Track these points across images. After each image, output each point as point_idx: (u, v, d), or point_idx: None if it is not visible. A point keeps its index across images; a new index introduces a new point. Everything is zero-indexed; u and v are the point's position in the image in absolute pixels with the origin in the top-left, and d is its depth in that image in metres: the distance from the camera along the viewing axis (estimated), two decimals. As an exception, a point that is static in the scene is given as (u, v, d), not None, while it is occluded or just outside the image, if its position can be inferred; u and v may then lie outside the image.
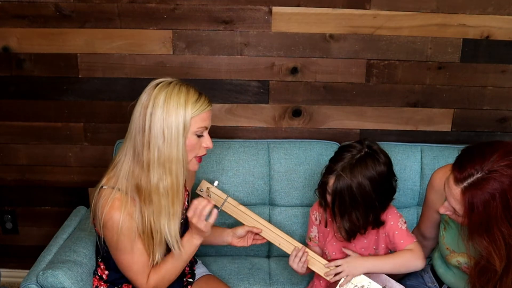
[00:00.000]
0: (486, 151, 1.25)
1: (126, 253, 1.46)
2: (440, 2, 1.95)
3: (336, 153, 1.57)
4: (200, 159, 1.51)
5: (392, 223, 1.58)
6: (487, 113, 2.12)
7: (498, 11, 1.97)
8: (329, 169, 1.52)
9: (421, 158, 1.97)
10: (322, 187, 1.55)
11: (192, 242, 1.52)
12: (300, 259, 1.60)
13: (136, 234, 1.45)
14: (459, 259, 1.48)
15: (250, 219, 1.66)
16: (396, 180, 1.57)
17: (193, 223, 1.46)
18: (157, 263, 1.50)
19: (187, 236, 1.52)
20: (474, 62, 2.04)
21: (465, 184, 1.25)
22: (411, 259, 1.56)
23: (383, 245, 1.61)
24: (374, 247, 1.62)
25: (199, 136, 1.45)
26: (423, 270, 1.72)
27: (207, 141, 1.48)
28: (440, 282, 1.64)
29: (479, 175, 1.23)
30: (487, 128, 2.15)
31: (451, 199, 1.30)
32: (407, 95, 2.09)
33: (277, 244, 1.65)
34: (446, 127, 2.14)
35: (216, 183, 1.68)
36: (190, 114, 1.40)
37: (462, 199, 1.26)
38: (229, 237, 1.68)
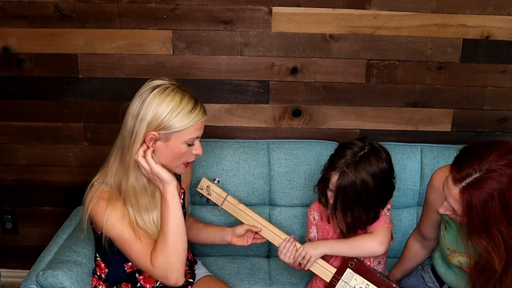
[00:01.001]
0: (484, 151, 1.25)
1: (120, 240, 1.44)
2: (440, 2, 1.95)
3: (336, 150, 1.58)
4: (187, 164, 1.50)
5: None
6: (487, 113, 2.12)
7: (498, 11, 1.97)
8: (331, 166, 1.53)
9: (421, 158, 1.97)
10: (323, 183, 1.56)
11: (166, 196, 1.41)
12: (288, 250, 1.60)
13: (124, 222, 1.43)
14: (460, 259, 1.48)
15: (249, 218, 1.67)
16: (395, 177, 1.60)
17: (151, 173, 1.39)
18: None
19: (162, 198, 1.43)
20: (474, 62, 2.04)
21: (463, 184, 1.25)
22: (366, 241, 1.58)
23: None
24: None
25: (190, 145, 1.44)
26: (423, 270, 1.72)
27: (197, 149, 1.47)
28: (440, 282, 1.64)
29: (477, 175, 1.23)
30: (487, 128, 2.15)
31: (450, 199, 1.30)
32: (407, 95, 2.09)
33: (276, 244, 1.65)
34: (446, 127, 2.14)
35: (216, 180, 1.68)
36: (182, 126, 1.39)
37: (460, 199, 1.26)
38: (228, 236, 1.68)
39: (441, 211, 1.36)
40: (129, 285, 1.59)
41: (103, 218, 1.41)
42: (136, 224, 1.44)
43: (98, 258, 1.62)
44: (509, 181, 1.20)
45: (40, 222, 2.28)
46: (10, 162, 2.18)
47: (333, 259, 1.66)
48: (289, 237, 1.63)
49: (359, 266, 1.58)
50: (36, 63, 2.03)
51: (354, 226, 1.57)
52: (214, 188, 1.68)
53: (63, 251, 1.67)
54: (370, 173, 1.50)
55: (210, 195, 1.68)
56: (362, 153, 1.51)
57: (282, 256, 1.62)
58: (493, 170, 1.21)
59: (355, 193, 1.50)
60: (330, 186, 1.54)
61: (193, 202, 1.95)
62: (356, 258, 1.59)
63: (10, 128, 2.13)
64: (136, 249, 1.43)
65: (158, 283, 1.61)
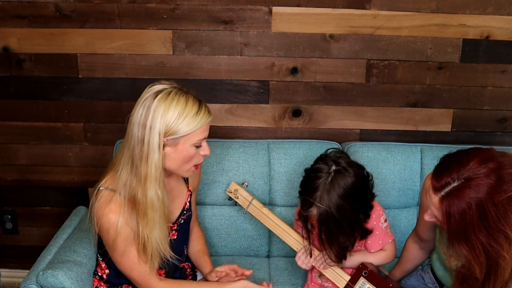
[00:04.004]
0: (463, 159, 1.24)
1: (125, 256, 1.46)
2: (440, 2, 1.95)
3: (306, 182, 1.53)
4: (197, 166, 1.51)
5: (374, 222, 1.60)
6: (487, 113, 2.12)
7: (498, 11, 1.97)
8: (306, 203, 1.49)
9: (421, 158, 1.97)
10: (305, 219, 1.55)
11: None
12: (306, 257, 1.63)
13: (131, 239, 1.44)
14: (458, 263, 1.48)
15: (271, 222, 1.69)
16: (371, 180, 1.55)
17: None
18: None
19: None
20: (474, 62, 2.04)
21: (442, 193, 1.25)
22: (384, 260, 1.65)
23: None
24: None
25: (198, 146, 1.45)
26: (423, 270, 1.72)
27: (205, 149, 1.47)
28: (440, 283, 1.64)
29: (455, 184, 1.22)
30: (487, 128, 2.15)
31: (432, 207, 1.30)
32: (407, 95, 2.09)
33: (294, 249, 1.68)
34: (446, 127, 2.14)
35: (244, 184, 1.74)
36: (189, 130, 1.39)
37: (440, 208, 1.26)
38: (208, 276, 1.64)
39: (426, 218, 1.36)
40: (130, 286, 1.58)
41: (114, 232, 1.41)
42: (143, 243, 1.44)
43: (99, 258, 1.62)
44: (487, 190, 1.19)
45: (40, 222, 2.28)
46: (10, 162, 2.18)
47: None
48: (308, 244, 1.63)
49: (373, 275, 1.58)
50: (36, 63, 2.03)
51: (342, 254, 1.57)
52: (241, 192, 1.72)
53: (63, 251, 1.67)
54: (342, 196, 1.46)
55: (238, 198, 1.73)
56: (330, 179, 1.47)
57: (299, 262, 1.64)
58: (472, 179, 1.21)
59: (335, 222, 1.48)
60: (312, 221, 1.54)
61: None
62: (369, 266, 1.59)
63: (10, 128, 2.13)
64: (140, 266, 1.46)
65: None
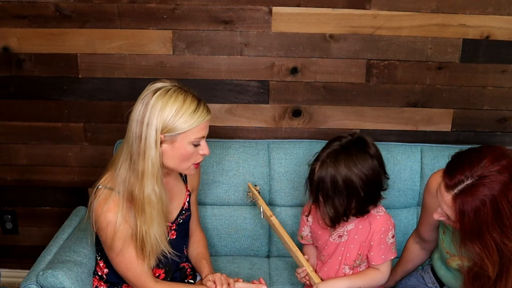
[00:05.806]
0: (475, 157, 1.24)
1: (121, 255, 1.46)
2: (440, 2, 1.95)
3: (328, 142, 1.57)
4: (197, 165, 1.51)
5: (382, 236, 1.57)
6: (487, 113, 2.12)
7: (498, 11, 1.97)
8: (316, 157, 1.53)
9: (421, 158, 1.97)
10: (310, 175, 1.54)
11: None
12: (301, 278, 1.65)
13: (129, 237, 1.44)
14: (460, 262, 1.48)
15: (278, 231, 1.68)
16: (387, 177, 1.55)
17: None
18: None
19: None
20: (474, 62, 2.04)
21: (455, 191, 1.24)
22: (377, 281, 1.61)
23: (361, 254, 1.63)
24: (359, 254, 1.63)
25: (196, 145, 1.45)
26: (423, 270, 1.72)
27: (204, 149, 1.47)
28: (440, 282, 1.64)
29: (469, 181, 1.22)
30: (487, 128, 2.15)
31: (443, 205, 1.30)
32: (407, 95, 2.09)
33: (297, 262, 1.67)
34: (446, 127, 2.14)
35: (257, 187, 1.79)
36: (187, 127, 1.39)
37: (453, 206, 1.25)
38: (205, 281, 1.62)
39: (436, 217, 1.36)
40: (130, 286, 1.58)
41: (112, 231, 1.41)
42: (141, 239, 1.44)
43: (98, 257, 1.62)
44: (501, 188, 1.20)
45: (40, 222, 2.28)
46: (10, 162, 2.18)
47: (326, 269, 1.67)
48: (304, 267, 1.61)
49: None
50: (36, 63, 2.03)
51: (336, 218, 1.52)
52: (255, 196, 1.76)
53: (63, 251, 1.67)
54: (350, 163, 1.45)
55: (253, 201, 1.79)
56: (344, 143, 1.50)
57: (299, 278, 1.67)
58: (485, 176, 1.21)
59: (333, 184, 1.46)
60: (314, 177, 1.50)
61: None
62: None
63: (10, 128, 2.13)
64: (136, 267, 1.47)
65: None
